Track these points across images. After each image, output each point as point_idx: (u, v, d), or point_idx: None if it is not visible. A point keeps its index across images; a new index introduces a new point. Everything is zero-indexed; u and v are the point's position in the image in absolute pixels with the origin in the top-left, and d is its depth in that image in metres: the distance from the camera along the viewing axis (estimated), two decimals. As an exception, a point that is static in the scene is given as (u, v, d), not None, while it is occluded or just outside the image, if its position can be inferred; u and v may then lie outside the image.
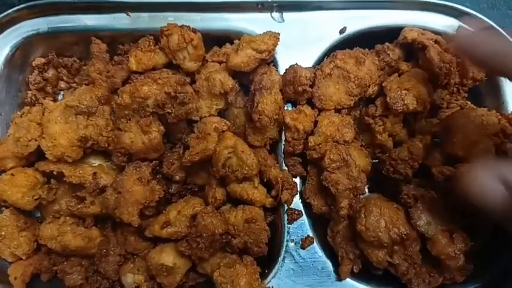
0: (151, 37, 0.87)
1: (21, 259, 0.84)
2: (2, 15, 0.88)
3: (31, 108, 0.87)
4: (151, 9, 0.91)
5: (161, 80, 0.81)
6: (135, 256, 0.85)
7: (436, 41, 0.87)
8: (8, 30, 0.90)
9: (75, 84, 0.98)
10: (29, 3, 0.89)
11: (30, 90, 0.94)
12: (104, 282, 0.84)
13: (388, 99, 0.81)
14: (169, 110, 0.80)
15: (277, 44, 0.85)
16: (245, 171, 0.79)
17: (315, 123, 0.86)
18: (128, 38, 0.93)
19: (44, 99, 0.94)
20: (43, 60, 0.94)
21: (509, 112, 0.88)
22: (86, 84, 0.89)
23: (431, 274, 0.80)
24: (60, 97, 0.98)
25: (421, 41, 0.86)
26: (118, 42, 0.93)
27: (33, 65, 0.94)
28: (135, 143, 0.80)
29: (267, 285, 0.82)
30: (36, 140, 0.83)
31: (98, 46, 0.89)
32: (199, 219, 0.78)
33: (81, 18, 0.92)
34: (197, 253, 0.78)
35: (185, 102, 0.80)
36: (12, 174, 0.82)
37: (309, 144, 0.83)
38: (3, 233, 0.82)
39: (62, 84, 0.97)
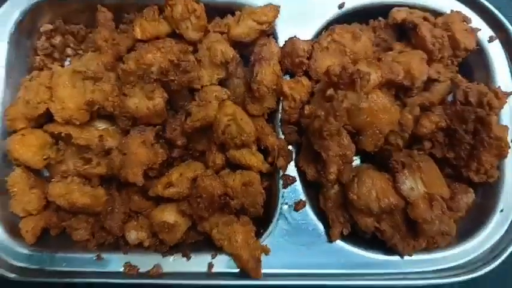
0: (156, 7, 0.89)
1: (31, 214, 0.87)
2: (12, -20, 0.89)
3: (40, 72, 0.89)
4: (156, -20, 0.92)
5: (165, 49, 0.83)
6: (138, 214, 0.89)
7: (424, 18, 0.88)
8: (18, -5, 0.91)
9: (81, 51, 1.00)
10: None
11: (38, 55, 0.96)
12: (108, 237, 0.88)
13: None
14: (172, 78, 0.82)
15: (277, 16, 0.87)
16: (243, 138, 0.82)
17: (311, 94, 0.88)
18: (133, 8, 0.94)
19: (52, 64, 0.95)
20: (50, 26, 0.96)
21: (497, 86, 0.90)
22: (92, 51, 0.91)
23: (416, 239, 0.82)
24: (67, 63, 1.00)
25: (412, 20, 0.87)
26: (123, 11, 0.95)
27: (41, 31, 0.96)
28: (140, 108, 0.83)
29: (262, 243, 0.85)
30: (45, 103, 0.85)
31: (104, 14, 0.91)
32: (199, 181, 0.81)
33: (88, -13, 0.92)
34: (197, 212, 0.81)
35: (187, 70, 0.82)
36: (22, 134, 0.85)
37: (305, 111, 0.84)
38: (15, 189, 0.85)
39: (69, 51, 0.99)
